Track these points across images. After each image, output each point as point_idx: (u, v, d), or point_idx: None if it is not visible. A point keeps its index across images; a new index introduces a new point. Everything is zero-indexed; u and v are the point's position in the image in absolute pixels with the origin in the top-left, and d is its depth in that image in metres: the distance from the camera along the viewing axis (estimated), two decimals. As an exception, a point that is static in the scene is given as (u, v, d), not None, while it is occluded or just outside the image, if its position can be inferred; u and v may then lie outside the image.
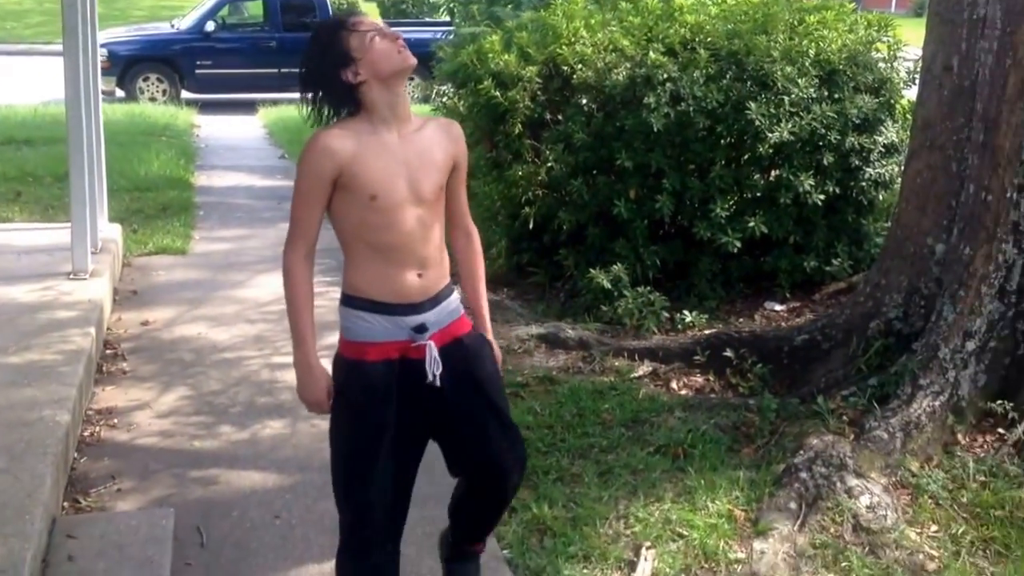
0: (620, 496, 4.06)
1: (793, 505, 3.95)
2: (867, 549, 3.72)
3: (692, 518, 3.88)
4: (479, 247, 3.09)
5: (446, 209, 2.90)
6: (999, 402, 4.44)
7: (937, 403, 4.43)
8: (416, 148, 2.76)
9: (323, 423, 4.70)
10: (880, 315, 4.98)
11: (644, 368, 5.35)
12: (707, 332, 5.63)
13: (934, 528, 3.87)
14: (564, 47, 6.49)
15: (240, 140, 13.12)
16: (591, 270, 6.04)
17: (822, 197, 6.15)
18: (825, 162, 6.13)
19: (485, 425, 2.90)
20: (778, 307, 6.32)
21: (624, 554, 3.68)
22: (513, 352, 5.49)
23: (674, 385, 5.22)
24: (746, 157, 6.24)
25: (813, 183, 6.09)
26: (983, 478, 4.13)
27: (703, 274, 6.33)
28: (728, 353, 5.25)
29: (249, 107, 15.55)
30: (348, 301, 2.81)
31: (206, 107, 15.34)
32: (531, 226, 6.53)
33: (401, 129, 2.75)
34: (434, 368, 2.77)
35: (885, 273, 5.07)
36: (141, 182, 9.43)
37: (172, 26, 16.91)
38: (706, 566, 3.63)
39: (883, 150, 6.36)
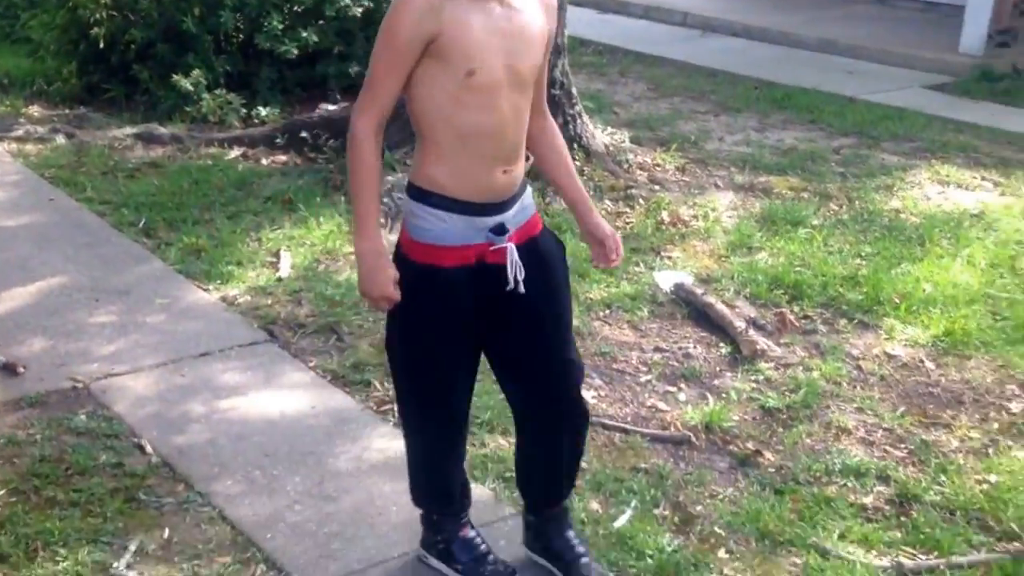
0: (249, 228, 5.18)
1: (381, 220, 5.26)
2: (439, 236, 5.19)
3: (310, 234, 5.11)
4: (556, 126, 2.75)
5: None
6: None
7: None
8: (517, 21, 2.40)
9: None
10: (422, 91, 6.39)
11: (235, 152, 6.38)
12: (283, 121, 6.74)
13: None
14: None
15: None
16: (174, 76, 6.86)
17: (359, 10, 7.41)
18: (360, -22, 7.38)
19: (548, 334, 2.62)
20: (331, 107, 7.51)
21: (266, 258, 4.85)
22: (114, 149, 6.27)
23: (264, 162, 6.31)
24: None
25: (352, -2, 7.34)
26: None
27: (264, 82, 7.36)
28: (304, 135, 6.42)
29: None
30: (420, 196, 2.50)
31: None
32: (101, 46, 7.13)
33: None
34: (517, 272, 2.50)
35: (422, 58, 6.48)
36: None
37: None
38: (329, 257, 4.90)
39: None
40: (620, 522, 3.19)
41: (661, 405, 3.85)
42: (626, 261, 5.00)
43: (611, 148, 6.32)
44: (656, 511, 3.28)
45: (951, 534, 3.19)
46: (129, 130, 6.52)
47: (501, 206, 2.51)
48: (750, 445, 3.64)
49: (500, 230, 2.50)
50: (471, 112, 2.38)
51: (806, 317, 4.55)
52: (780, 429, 3.74)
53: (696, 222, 5.49)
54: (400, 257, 2.57)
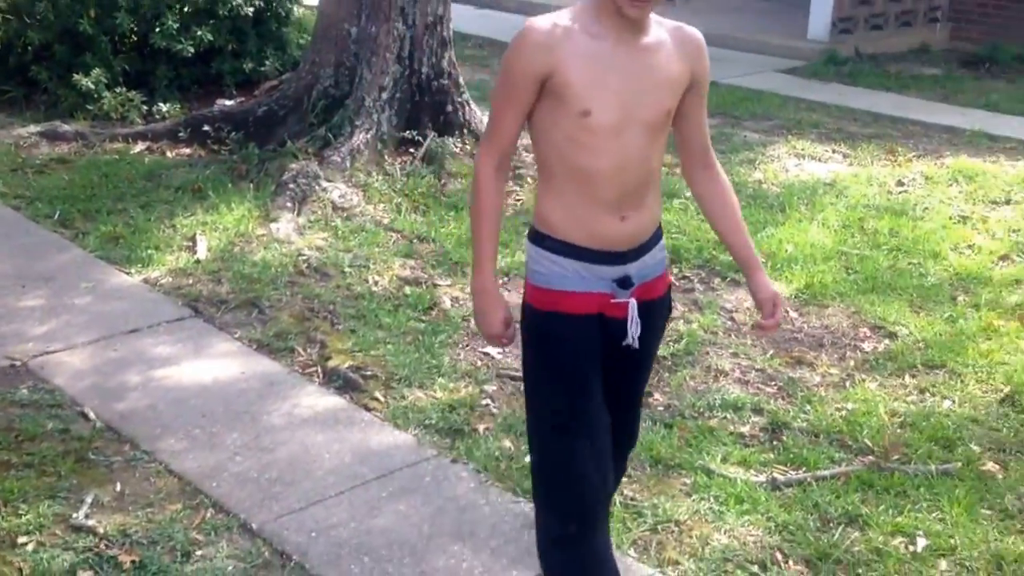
0: (163, 216, 5.43)
1: (290, 204, 5.61)
2: (345, 217, 5.54)
3: (222, 219, 5.39)
4: (728, 181, 2.61)
5: (682, 137, 2.51)
6: (408, 132, 6.44)
7: (369, 136, 6.31)
8: (643, 62, 2.33)
9: None
10: (319, 84, 6.71)
11: (140, 146, 6.60)
12: (183, 116, 6.97)
13: (382, 205, 5.77)
14: None
15: None
16: (74, 75, 7.02)
17: (251, 10, 7.67)
18: (251, -21, 7.64)
19: (629, 399, 2.62)
20: (228, 103, 7.76)
21: (183, 242, 5.13)
22: (20, 147, 6.43)
23: (169, 155, 6.54)
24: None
25: (243, -3, 7.60)
26: (405, 177, 6.10)
27: (162, 79, 7.55)
28: (206, 128, 6.66)
29: None
30: (537, 239, 2.41)
31: None
32: (-2, 49, 7.25)
33: (630, 36, 2.31)
34: (634, 329, 2.40)
35: (318, 53, 6.80)
36: None
37: None
38: (243, 239, 5.20)
39: (293, -30, 8.02)
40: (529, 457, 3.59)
41: (560, 357, 4.27)
42: (518, 232, 5.42)
43: (500, 133, 6.71)
44: (561, 444, 3.69)
45: (816, 453, 3.69)
46: (33, 128, 6.67)
47: (622, 256, 2.39)
48: (641, 388, 4.10)
49: (626, 283, 2.40)
50: (587, 153, 2.31)
51: (684, 277, 5.05)
52: (667, 374, 4.21)
53: (582, 198, 5.94)
54: (525, 306, 2.46)
